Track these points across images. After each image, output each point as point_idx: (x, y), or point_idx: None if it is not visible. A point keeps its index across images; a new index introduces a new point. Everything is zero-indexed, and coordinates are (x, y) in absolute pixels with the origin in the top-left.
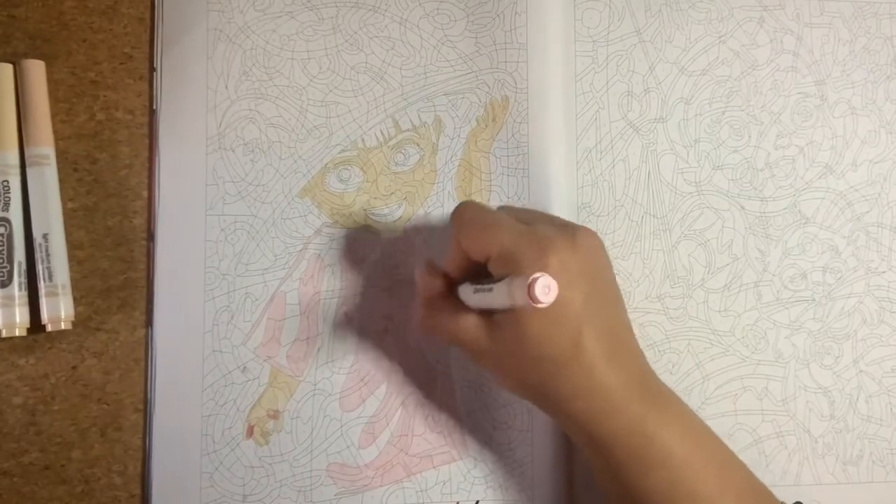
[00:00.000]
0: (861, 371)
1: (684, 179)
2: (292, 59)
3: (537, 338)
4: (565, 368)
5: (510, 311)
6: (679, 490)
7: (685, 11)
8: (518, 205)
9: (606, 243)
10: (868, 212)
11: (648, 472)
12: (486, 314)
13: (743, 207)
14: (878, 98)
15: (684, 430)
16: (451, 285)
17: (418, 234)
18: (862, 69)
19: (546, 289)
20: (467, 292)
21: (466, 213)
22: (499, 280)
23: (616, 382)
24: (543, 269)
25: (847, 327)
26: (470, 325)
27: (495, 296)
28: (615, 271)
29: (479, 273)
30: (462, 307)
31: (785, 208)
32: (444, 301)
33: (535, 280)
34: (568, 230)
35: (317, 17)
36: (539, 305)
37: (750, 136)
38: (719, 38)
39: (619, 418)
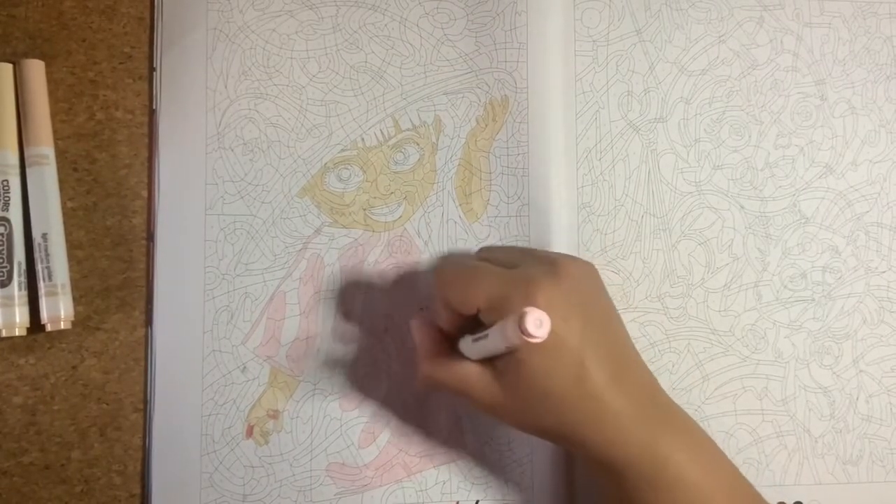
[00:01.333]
0: (861, 371)
1: (684, 179)
2: (292, 58)
3: (540, 375)
4: (572, 401)
5: (510, 355)
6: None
7: (685, 11)
8: (516, 205)
9: (606, 243)
10: (868, 211)
11: (660, 495)
12: (489, 363)
13: (743, 207)
14: (878, 98)
15: (695, 453)
16: (449, 338)
17: (418, 234)
18: (862, 69)
19: (538, 322)
20: (466, 345)
21: (446, 271)
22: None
23: (624, 407)
24: (531, 305)
25: (847, 327)
26: (473, 375)
27: (491, 341)
28: (615, 271)
29: (475, 324)
30: (463, 359)
31: (785, 208)
32: (445, 354)
33: (524, 315)
34: (551, 265)
35: (316, 16)
36: (534, 340)
37: (750, 136)
38: (719, 37)
39: (630, 444)
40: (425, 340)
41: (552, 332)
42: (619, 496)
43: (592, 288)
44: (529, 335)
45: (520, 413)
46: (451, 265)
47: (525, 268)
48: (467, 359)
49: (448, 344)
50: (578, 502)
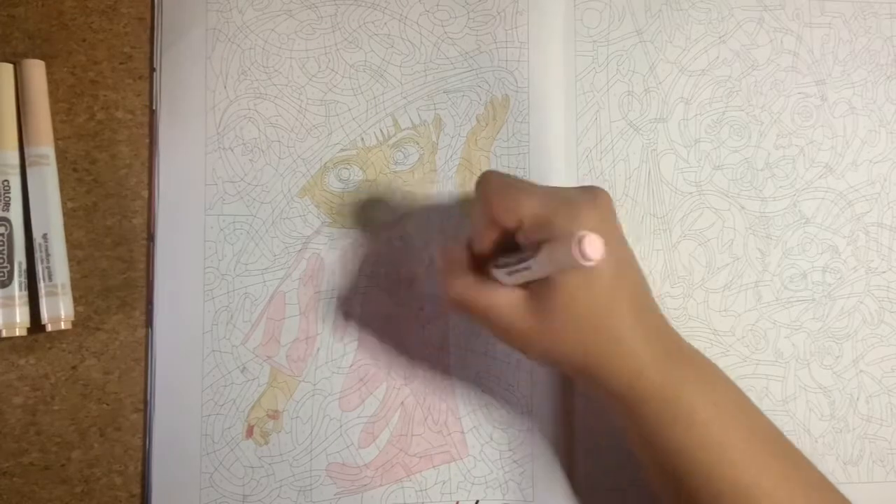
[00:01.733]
0: (861, 371)
1: (684, 179)
2: (291, 58)
3: (574, 301)
4: (599, 331)
5: (546, 281)
6: (707, 450)
7: (685, 11)
8: None
9: None
10: (868, 212)
11: (676, 431)
12: (521, 289)
13: (743, 207)
14: (879, 98)
15: (712, 390)
16: (477, 260)
17: (418, 234)
18: (862, 69)
19: (595, 246)
20: (500, 274)
21: (493, 180)
22: (530, 251)
23: (646, 343)
24: (579, 229)
25: (847, 327)
26: (503, 297)
27: (536, 267)
28: None
29: (506, 248)
30: (493, 281)
31: (785, 208)
32: (472, 276)
33: (583, 238)
34: (588, 192)
35: (315, 15)
36: (589, 264)
37: (750, 136)
38: (719, 37)
39: (647, 378)
40: (454, 260)
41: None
42: (636, 432)
43: (619, 223)
44: (588, 258)
45: (546, 339)
46: (498, 175)
47: (567, 191)
48: (498, 284)
49: (477, 266)
50: (578, 503)
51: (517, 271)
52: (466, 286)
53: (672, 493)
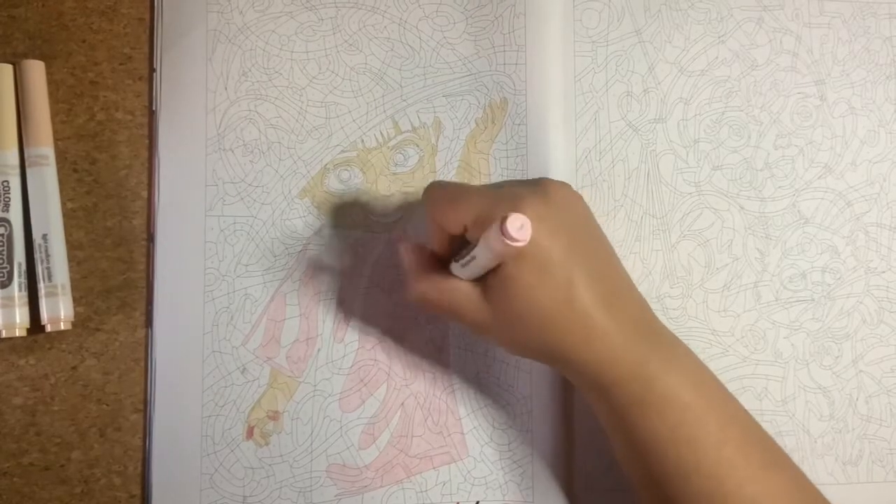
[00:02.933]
0: (860, 371)
1: (684, 179)
2: (291, 59)
3: (528, 290)
4: (561, 318)
5: (499, 271)
6: (679, 435)
7: (684, 11)
8: None
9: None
10: (867, 212)
11: (649, 416)
12: (478, 282)
13: (742, 207)
14: (878, 98)
15: (686, 376)
16: (438, 259)
17: (418, 235)
18: (861, 69)
19: (519, 224)
20: (457, 269)
21: (434, 191)
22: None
23: (614, 327)
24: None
25: (846, 327)
26: (462, 292)
27: (479, 256)
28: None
29: (464, 244)
30: (453, 277)
31: (784, 208)
32: (435, 274)
33: (505, 218)
34: (539, 185)
35: (316, 17)
36: (517, 244)
37: (749, 137)
38: (719, 38)
39: (619, 363)
40: (414, 259)
41: (539, 246)
42: (609, 416)
43: (580, 210)
44: (511, 238)
45: (508, 331)
46: (439, 185)
47: (512, 187)
48: (456, 279)
49: (437, 264)
50: (578, 503)
51: (466, 263)
52: (429, 284)
53: (642, 478)
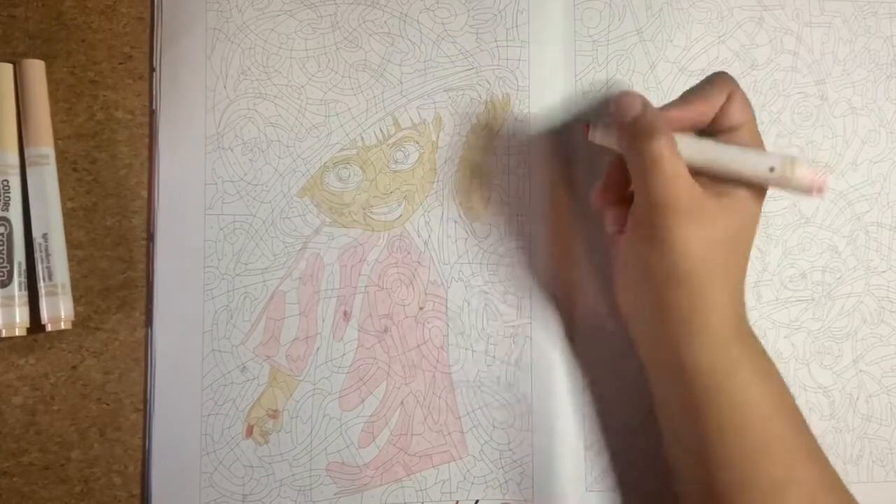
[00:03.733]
0: (861, 371)
1: None
2: (291, 57)
3: (736, 228)
4: (718, 280)
5: (743, 189)
6: (748, 434)
7: (685, 10)
8: (518, 205)
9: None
10: (868, 211)
11: (722, 410)
12: (699, 182)
13: None
14: (879, 97)
15: (763, 378)
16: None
17: (418, 234)
18: (862, 69)
19: (826, 187)
20: (718, 153)
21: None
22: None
23: (720, 314)
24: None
25: (847, 327)
26: (687, 183)
27: (775, 175)
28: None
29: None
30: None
31: (785, 208)
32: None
33: (825, 174)
34: None
35: (315, 14)
36: (814, 197)
37: None
38: (719, 37)
39: (708, 351)
40: (659, 115)
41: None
42: (681, 409)
43: None
44: (818, 193)
45: (663, 251)
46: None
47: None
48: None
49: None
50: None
51: (753, 170)
52: (676, 156)
53: (696, 476)
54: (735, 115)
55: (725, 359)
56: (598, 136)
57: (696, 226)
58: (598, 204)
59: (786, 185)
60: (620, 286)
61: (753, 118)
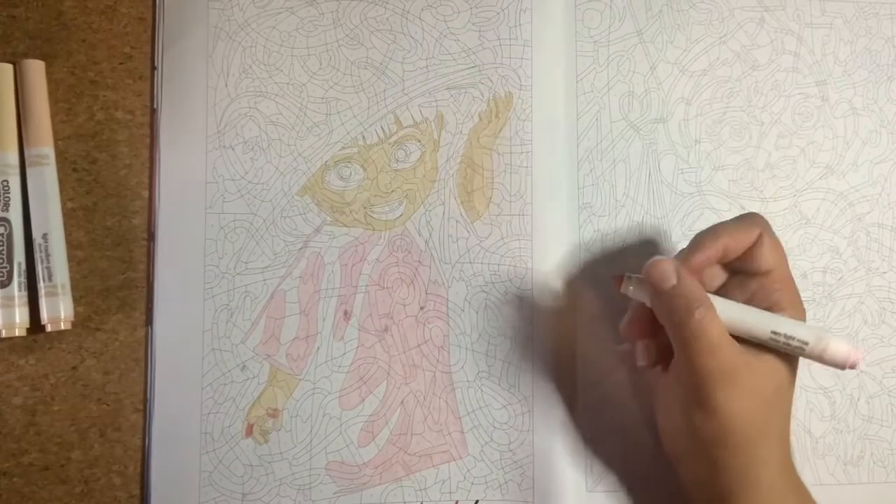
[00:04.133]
0: (862, 371)
1: (685, 180)
2: (292, 55)
3: (783, 396)
4: (768, 438)
5: (783, 360)
6: None
7: (686, 12)
8: (519, 204)
9: (607, 244)
10: (869, 212)
11: None
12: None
13: (743, 208)
14: (880, 98)
15: None
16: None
17: (419, 233)
18: (863, 69)
19: (859, 361)
20: (755, 322)
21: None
22: (795, 331)
23: (771, 471)
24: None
25: (848, 328)
26: (736, 350)
27: (808, 350)
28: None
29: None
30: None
31: (785, 209)
32: (700, 296)
33: (858, 351)
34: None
35: (317, 11)
36: (844, 369)
37: (750, 137)
38: (720, 38)
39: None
40: (705, 295)
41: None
42: None
43: None
44: (850, 366)
45: (709, 410)
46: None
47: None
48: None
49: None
50: None
51: (786, 342)
52: (718, 325)
53: None
54: (765, 258)
55: None
56: (633, 292)
57: (739, 387)
58: (627, 337)
59: (817, 359)
60: (668, 436)
61: (785, 262)
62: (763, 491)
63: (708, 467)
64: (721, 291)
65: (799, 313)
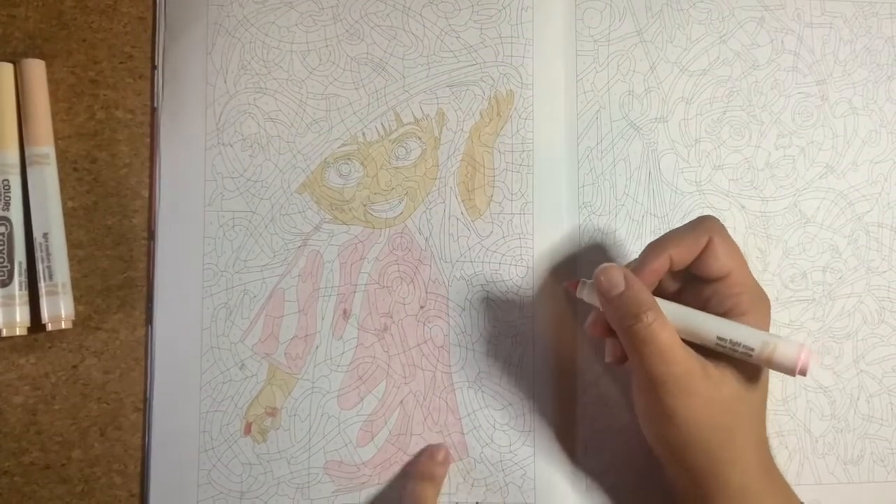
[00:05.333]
0: (861, 371)
1: (685, 179)
2: (291, 51)
3: (738, 399)
4: (735, 440)
5: (726, 367)
6: None
7: (686, 11)
8: (520, 203)
9: (608, 242)
10: (869, 211)
11: None
12: (698, 359)
13: (743, 207)
14: (879, 98)
15: None
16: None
17: (419, 231)
18: (863, 69)
19: (813, 363)
20: (703, 330)
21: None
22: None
23: (743, 470)
24: (767, 325)
25: (847, 327)
26: (687, 356)
27: (755, 355)
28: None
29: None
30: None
31: (785, 208)
32: (647, 301)
33: (810, 353)
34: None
35: (317, 6)
36: (798, 375)
37: (750, 136)
38: (720, 37)
39: None
40: (653, 300)
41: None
42: None
43: None
44: (802, 371)
45: (687, 421)
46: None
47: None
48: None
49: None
50: None
51: (732, 348)
52: (666, 331)
53: None
54: (717, 263)
55: None
56: (587, 295)
57: (694, 394)
58: (593, 335)
59: (766, 365)
60: (643, 430)
61: (743, 265)
62: (734, 492)
63: (679, 469)
64: (676, 297)
65: (761, 318)
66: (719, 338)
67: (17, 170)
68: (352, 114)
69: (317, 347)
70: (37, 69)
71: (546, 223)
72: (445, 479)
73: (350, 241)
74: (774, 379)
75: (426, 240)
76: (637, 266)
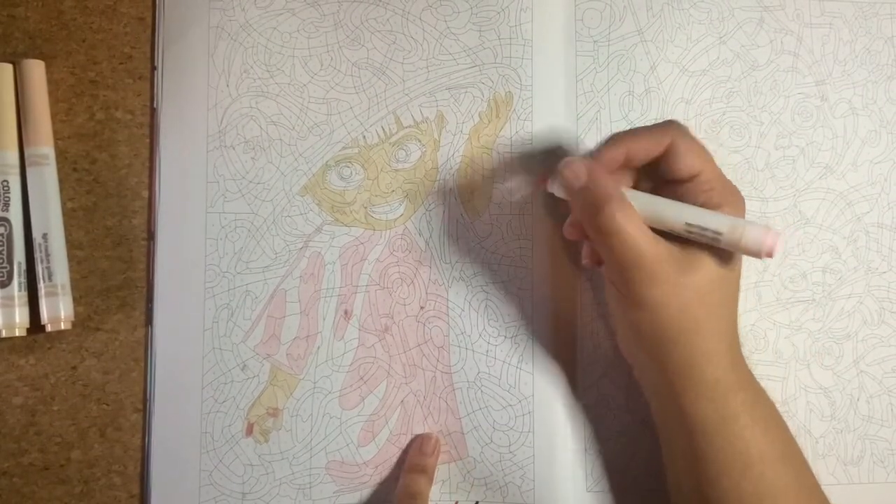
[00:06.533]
0: (861, 371)
1: None
2: (293, 56)
3: (711, 287)
4: (703, 337)
5: (699, 253)
6: (748, 481)
7: (686, 11)
8: (519, 204)
9: None
10: (868, 212)
11: (723, 458)
12: (666, 243)
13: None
14: (879, 98)
15: (763, 425)
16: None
17: (419, 233)
18: (863, 69)
19: (780, 246)
20: (671, 217)
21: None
22: (713, 221)
23: (715, 365)
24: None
25: (847, 327)
26: (655, 249)
27: (724, 239)
28: None
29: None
30: (645, 226)
31: (785, 209)
32: (635, 211)
33: (778, 235)
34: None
35: (318, 13)
36: (765, 258)
37: (750, 137)
38: (720, 38)
39: (706, 401)
40: (611, 184)
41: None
42: (686, 461)
43: None
44: (769, 254)
45: (658, 313)
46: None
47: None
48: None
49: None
50: None
51: (700, 233)
52: (631, 219)
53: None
54: (684, 164)
55: (724, 408)
56: (557, 189)
57: (665, 281)
58: (571, 238)
59: (735, 249)
60: (619, 336)
61: (712, 163)
62: (709, 386)
63: (653, 365)
64: None
65: (734, 210)
66: (688, 223)
67: (17, 170)
68: (352, 117)
69: (318, 348)
70: (37, 70)
71: (546, 223)
72: (445, 480)
73: (351, 243)
74: (775, 380)
75: (426, 241)
76: (594, 155)
